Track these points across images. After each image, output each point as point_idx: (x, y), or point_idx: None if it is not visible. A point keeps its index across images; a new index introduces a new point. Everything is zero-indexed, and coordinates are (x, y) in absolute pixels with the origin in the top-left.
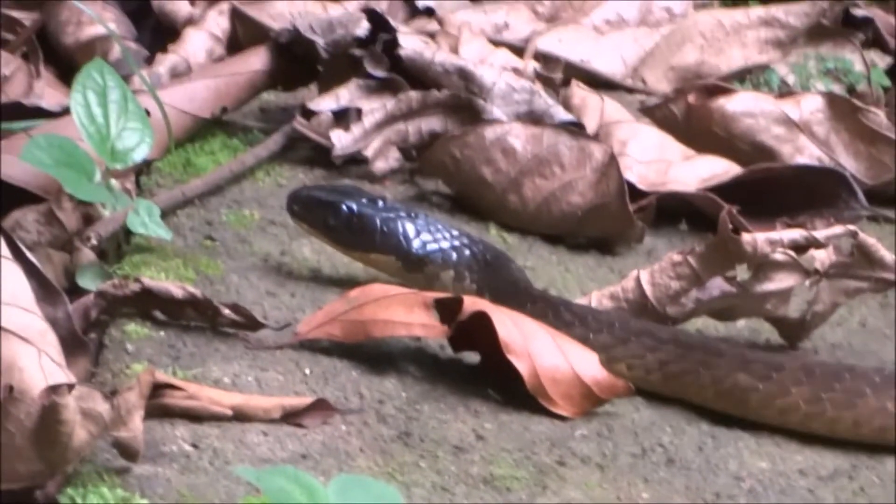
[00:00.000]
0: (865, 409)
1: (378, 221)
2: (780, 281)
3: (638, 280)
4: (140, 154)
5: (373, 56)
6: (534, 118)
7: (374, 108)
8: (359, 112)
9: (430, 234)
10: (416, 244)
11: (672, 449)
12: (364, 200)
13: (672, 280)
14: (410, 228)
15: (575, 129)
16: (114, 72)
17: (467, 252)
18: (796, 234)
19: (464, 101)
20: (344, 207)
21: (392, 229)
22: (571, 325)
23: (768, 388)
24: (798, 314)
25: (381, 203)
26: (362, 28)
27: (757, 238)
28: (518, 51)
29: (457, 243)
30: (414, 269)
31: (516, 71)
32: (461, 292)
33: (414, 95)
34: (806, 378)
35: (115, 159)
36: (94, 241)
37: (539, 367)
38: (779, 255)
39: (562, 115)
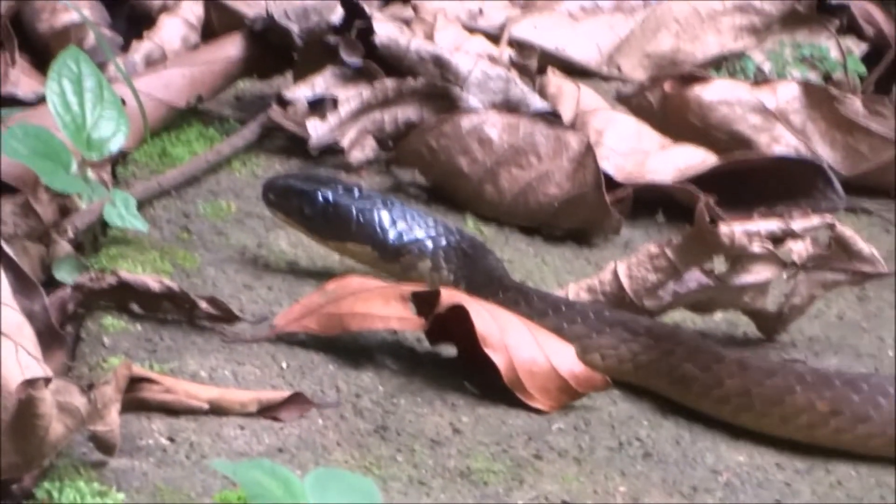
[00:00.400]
0: (793, 406)
1: (354, 210)
2: (758, 273)
3: (615, 273)
4: (116, 144)
5: (348, 43)
6: (510, 106)
7: (350, 97)
8: (334, 101)
9: (406, 224)
10: (392, 234)
11: (649, 442)
12: (340, 189)
13: (649, 272)
14: (386, 218)
15: (551, 118)
16: (89, 60)
17: (444, 242)
18: (773, 225)
19: (440, 89)
20: (319, 196)
21: (368, 219)
22: (545, 314)
23: (706, 378)
24: (775, 307)
25: (357, 192)
26: (337, 15)
27: (734, 229)
28: (493, 38)
29: (433, 233)
30: (390, 259)
31: (491, 58)
32: (438, 282)
33: (390, 84)
34: (739, 371)
35: (92, 149)
36: (70, 234)
37: (516, 361)
38: (756, 248)
39: (538, 103)
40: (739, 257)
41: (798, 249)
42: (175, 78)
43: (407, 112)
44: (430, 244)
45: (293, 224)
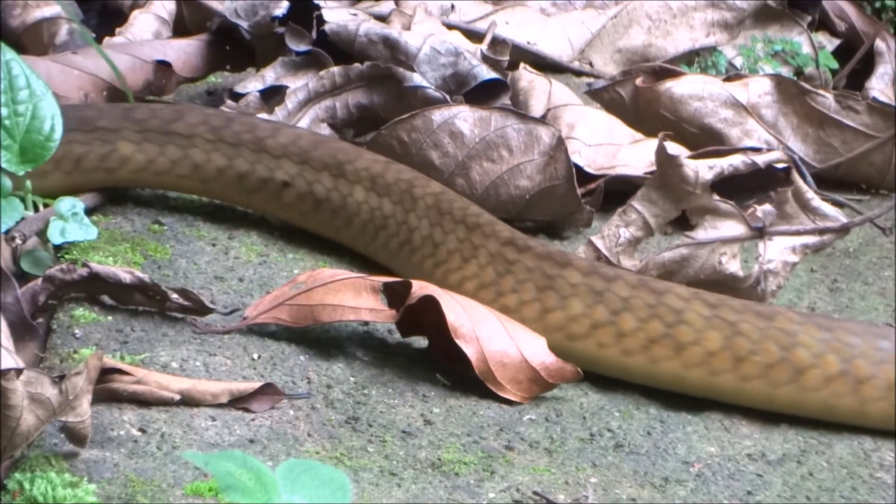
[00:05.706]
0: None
1: None
2: (726, 230)
3: (590, 242)
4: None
5: (293, 31)
6: (459, 80)
7: (298, 88)
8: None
9: None
10: None
11: (620, 433)
12: None
13: (620, 227)
14: None
15: (523, 112)
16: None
17: None
18: (737, 160)
19: (384, 70)
20: None
21: None
22: None
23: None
24: (752, 280)
25: None
26: (281, 8)
27: (697, 164)
28: (465, 33)
29: None
30: None
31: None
32: None
33: (336, 70)
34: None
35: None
36: (18, 241)
37: (487, 352)
38: (720, 204)
39: (485, 73)
40: (705, 213)
41: (762, 209)
42: None
43: (357, 96)
44: None
45: None
